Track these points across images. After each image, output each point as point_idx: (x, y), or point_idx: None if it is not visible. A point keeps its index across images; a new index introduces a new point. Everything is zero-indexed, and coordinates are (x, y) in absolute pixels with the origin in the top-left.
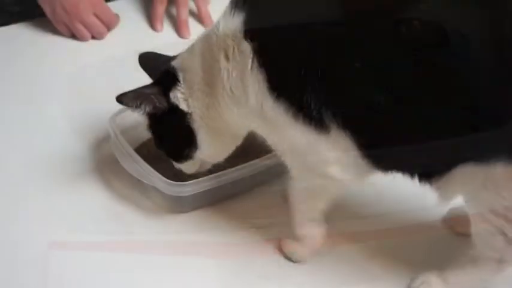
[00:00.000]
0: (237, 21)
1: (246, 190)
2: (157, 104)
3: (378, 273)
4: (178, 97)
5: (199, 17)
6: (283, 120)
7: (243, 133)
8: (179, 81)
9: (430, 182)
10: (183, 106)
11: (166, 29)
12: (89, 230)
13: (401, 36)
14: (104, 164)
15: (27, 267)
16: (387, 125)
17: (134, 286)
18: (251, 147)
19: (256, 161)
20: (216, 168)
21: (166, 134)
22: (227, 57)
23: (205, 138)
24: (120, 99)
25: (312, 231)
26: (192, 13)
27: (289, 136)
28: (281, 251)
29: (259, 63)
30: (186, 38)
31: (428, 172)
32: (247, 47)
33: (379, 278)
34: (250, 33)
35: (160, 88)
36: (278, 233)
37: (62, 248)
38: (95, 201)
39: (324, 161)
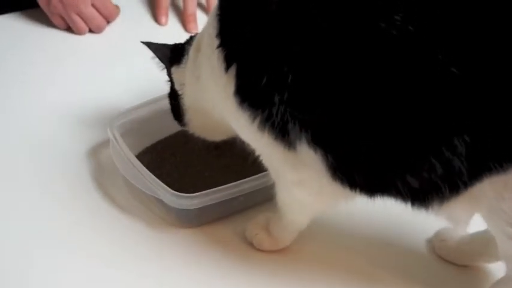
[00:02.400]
0: (214, 13)
1: (259, 203)
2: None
3: None
4: (175, 77)
5: (208, 10)
6: (249, 128)
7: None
8: (181, 63)
9: (435, 207)
10: (176, 86)
11: (172, 23)
12: (83, 243)
13: (381, 39)
14: (102, 171)
15: (18, 276)
16: (368, 142)
17: None
18: None
19: None
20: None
21: (170, 96)
22: (205, 52)
23: (191, 119)
24: (145, 44)
25: (290, 237)
26: (199, 4)
27: (255, 146)
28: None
29: (225, 61)
30: (194, 33)
31: (429, 195)
32: (215, 41)
33: None
34: (219, 25)
35: (169, 56)
36: None
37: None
38: (91, 213)
39: (291, 181)
